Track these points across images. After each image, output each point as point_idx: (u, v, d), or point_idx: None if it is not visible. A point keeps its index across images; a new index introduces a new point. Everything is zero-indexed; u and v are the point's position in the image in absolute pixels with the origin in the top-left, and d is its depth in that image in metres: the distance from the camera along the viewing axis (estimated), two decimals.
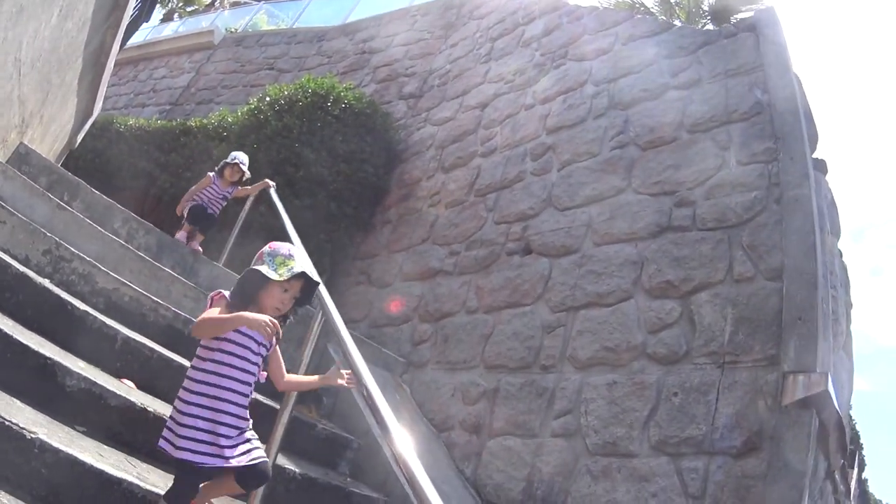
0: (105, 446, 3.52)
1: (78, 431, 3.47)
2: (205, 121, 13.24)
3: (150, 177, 12.47)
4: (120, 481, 3.15)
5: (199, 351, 3.38)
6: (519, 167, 8.52)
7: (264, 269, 3.45)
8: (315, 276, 3.65)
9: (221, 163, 8.02)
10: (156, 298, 5.36)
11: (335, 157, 10.54)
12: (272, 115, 11.05)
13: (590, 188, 7.31)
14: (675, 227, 6.28)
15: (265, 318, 3.20)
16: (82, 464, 3.06)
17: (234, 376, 3.31)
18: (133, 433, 3.80)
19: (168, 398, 4.34)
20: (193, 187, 7.98)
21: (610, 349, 5.96)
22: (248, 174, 8.04)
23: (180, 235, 7.57)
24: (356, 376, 3.83)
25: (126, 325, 4.71)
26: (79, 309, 4.30)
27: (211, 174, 7.93)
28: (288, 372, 3.84)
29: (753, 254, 5.58)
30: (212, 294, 3.48)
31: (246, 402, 3.37)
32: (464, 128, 10.26)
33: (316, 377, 3.98)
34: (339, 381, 3.82)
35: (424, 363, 7.64)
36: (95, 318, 4.35)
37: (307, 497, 4.61)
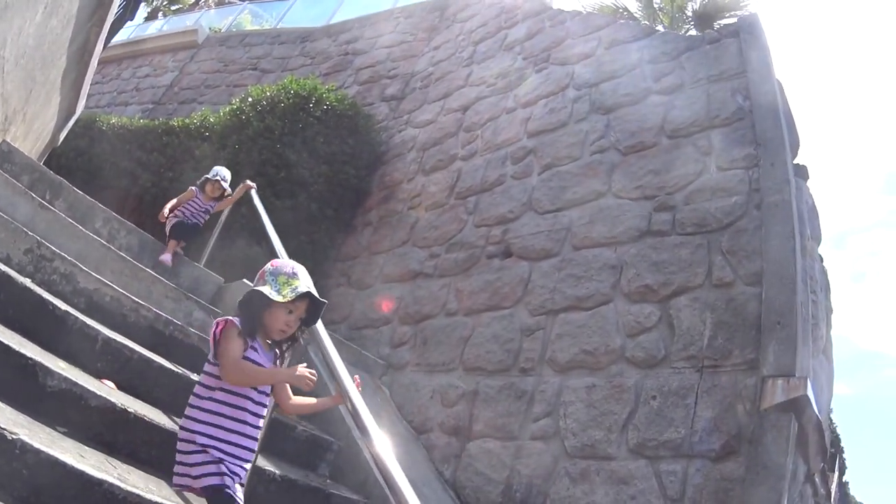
0: (86, 447, 3.51)
1: (59, 432, 3.46)
2: (187, 121, 13.18)
3: (133, 176, 12.41)
4: (101, 482, 3.13)
5: (206, 379, 3.32)
6: (499, 170, 8.55)
7: (266, 289, 3.34)
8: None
9: (203, 178, 7.92)
10: (136, 299, 5.34)
11: (317, 159, 10.55)
12: (254, 115, 11.01)
13: (570, 192, 7.35)
14: (654, 231, 6.31)
15: (303, 371, 3.28)
16: (63, 465, 3.05)
17: (247, 407, 3.28)
18: (114, 434, 3.78)
19: (148, 399, 4.36)
20: (175, 200, 7.86)
21: (589, 352, 5.99)
22: (228, 191, 7.95)
23: (165, 258, 7.22)
24: (336, 380, 3.84)
25: (107, 326, 4.69)
26: (60, 309, 4.28)
27: (194, 188, 7.84)
28: None
29: (733, 259, 5.62)
30: (217, 320, 3.37)
31: (258, 433, 3.35)
32: (445, 130, 10.28)
33: (322, 400, 3.96)
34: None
35: (404, 365, 7.66)
36: (77, 318, 4.33)
37: (287, 498, 4.62)
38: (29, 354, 3.53)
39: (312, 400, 3.92)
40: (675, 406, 5.25)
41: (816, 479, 7.61)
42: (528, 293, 6.93)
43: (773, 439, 4.69)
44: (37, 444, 2.99)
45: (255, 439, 3.33)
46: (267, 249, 7.46)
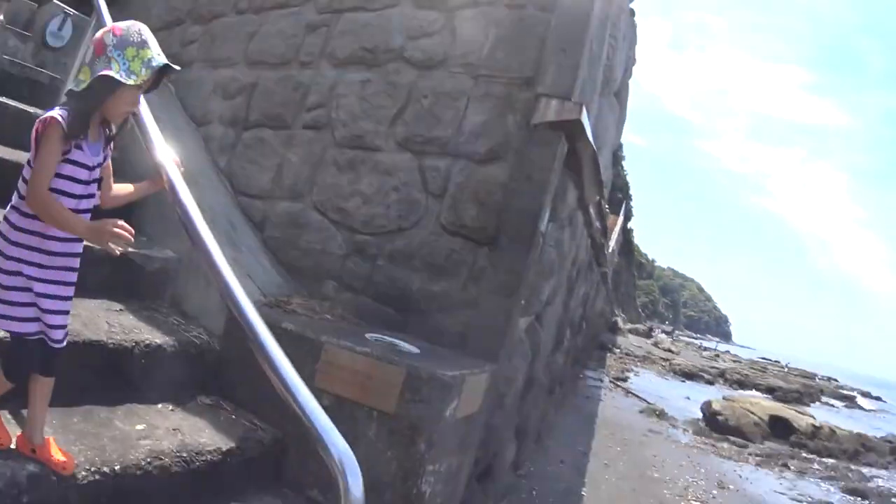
0: None
1: None
2: None
3: None
4: None
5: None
6: None
7: (114, 71, 2.61)
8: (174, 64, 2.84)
9: None
10: None
11: None
12: None
13: None
14: None
15: (117, 231, 2.55)
16: None
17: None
18: None
19: None
20: None
21: (368, 50, 5.97)
22: None
23: None
24: (154, 160, 3.29)
25: None
26: None
27: None
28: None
29: None
30: (39, 118, 2.59)
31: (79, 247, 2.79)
32: None
33: (140, 185, 3.23)
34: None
35: (190, 62, 7.44)
36: None
37: None
38: None
39: (130, 187, 3.21)
40: (446, 107, 5.36)
41: (591, 211, 8.04)
42: None
43: (540, 154, 4.91)
44: None
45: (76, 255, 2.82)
46: None
